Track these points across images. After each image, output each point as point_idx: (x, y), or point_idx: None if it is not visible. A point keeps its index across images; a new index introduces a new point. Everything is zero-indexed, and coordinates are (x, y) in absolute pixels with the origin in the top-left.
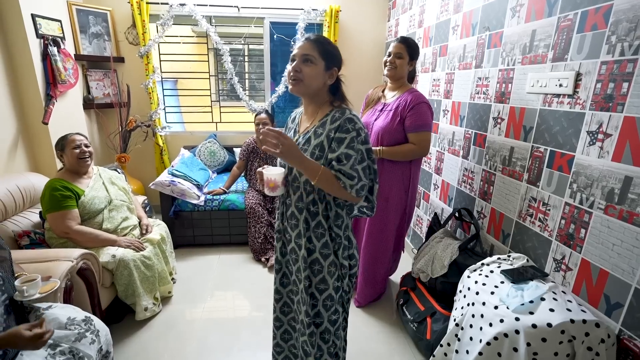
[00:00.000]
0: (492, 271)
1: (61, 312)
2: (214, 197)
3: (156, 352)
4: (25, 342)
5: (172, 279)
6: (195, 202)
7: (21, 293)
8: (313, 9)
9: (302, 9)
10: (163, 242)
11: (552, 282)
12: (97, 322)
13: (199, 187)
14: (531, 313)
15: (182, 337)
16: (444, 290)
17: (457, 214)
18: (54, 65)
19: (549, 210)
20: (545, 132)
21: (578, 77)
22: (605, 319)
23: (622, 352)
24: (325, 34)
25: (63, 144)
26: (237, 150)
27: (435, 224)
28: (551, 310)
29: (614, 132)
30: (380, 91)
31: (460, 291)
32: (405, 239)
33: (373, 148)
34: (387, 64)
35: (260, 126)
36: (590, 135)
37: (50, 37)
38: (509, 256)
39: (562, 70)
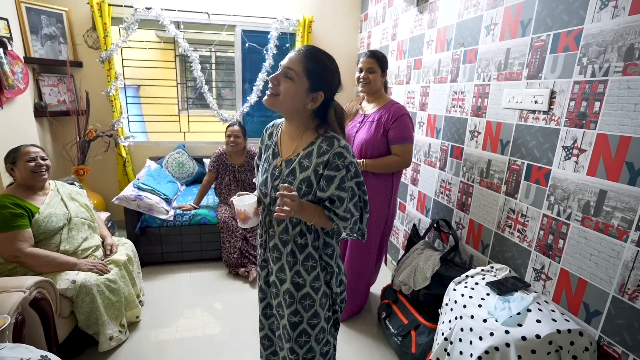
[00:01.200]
0: (477, 283)
1: (11, 354)
2: (184, 212)
3: None
4: None
5: (140, 301)
6: (164, 217)
7: None
8: (286, 19)
9: (274, 18)
10: (130, 263)
11: (535, 292)
12: None
13: (168, 201)
14: (519, 325)
15: None
16: (427, 302)
17: (435, 225)
18: (1, 69)
19: (528, 221)
20: (522, 146)
21: (552, 94)
22: (586, 327)
23: (602, 357)
24: (298, 44)
25: (15, 156)
26: (207, 161)
27: (415, 236)
28: (538, 321)
29: (588, 147)
30: (358, 104)
31: (447, 304)
32: None
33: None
34: (361, 80)
35: (232, 138)
36: (566, 150)
37: None
38: (492, 267)
39: (537, 88)
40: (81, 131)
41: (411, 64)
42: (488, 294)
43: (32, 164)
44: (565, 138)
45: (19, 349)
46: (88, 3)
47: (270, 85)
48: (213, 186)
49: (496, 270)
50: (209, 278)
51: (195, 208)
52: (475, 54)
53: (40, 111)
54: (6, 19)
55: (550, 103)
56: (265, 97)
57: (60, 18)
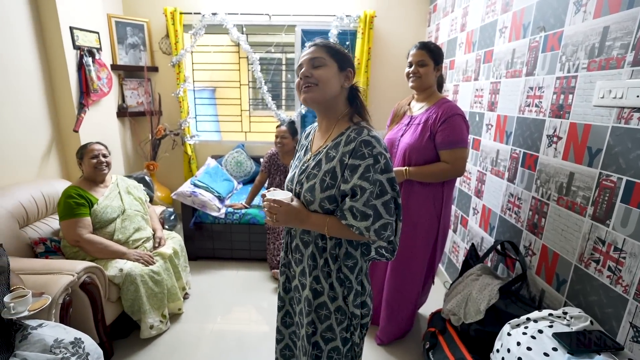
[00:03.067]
0: (540, 331)
1: (49, 332)
2: (235, 210)
3: None
4: None
5: (185, 294)
6: (215, 214)
7: (9, 310)
8: (347, 15)
9: (334, 16)
10: (176, 257)
11: (630, 359)
12: (89, 345)
13: (221, 199)
14: None
15: (187, 357)
16: (479, 338)
17: (499, 247)
18: (88, 75)
19: (624, 258)
20: (620, 156)
21: None
22: None
23: None
24: (359, 41)
25: (82, 152)
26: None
27: (472, 257)
28: None
29: None
30: (407, 103)
31: (498, 351)
32: (440, 267)
33: (398, 168)
34: (410, 75)
35: (279, 139)
36: None
37: (86, 48)
38: (564, 313)
39: None
40: (153, 130)
41: (481, 56)
42: (555, 349)
43: (95, 160)
44: None
45: (57, 328)
46: (163, 13)
47: (303, 82)
48: (265, 186)
49: (571, 317)
50: (255, 277)
51: (247, 207)
52: (558, 39)
53: (122, 112)
54: (97, 32)
55: None
56: (304, 95)
57: (142, 28)
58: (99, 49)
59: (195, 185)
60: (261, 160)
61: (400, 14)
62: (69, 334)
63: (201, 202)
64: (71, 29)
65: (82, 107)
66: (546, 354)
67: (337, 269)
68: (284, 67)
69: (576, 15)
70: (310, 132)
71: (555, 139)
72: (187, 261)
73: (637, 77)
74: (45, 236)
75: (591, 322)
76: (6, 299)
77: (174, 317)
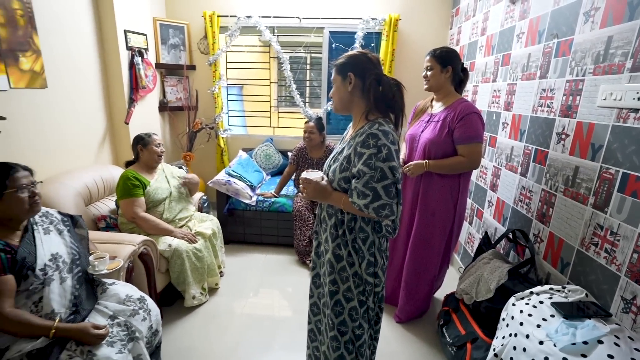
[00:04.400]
0: (541, 302)
1: (121, 289)
2: (265, 199)
3: (198, 338)
4: (88, 337)
5: (220, 272)
6: (247, 201)
7: (93, 267)
8: (372, 18)
9: (361, 19)
10: (214, 237)
11: (617, 324)
12: (150, 303)
13: (252, 187)
14: (584, 356)
15: (223, 328)
16: (489, 315)
17: (511, 236)
18: (138, 73)
19: (618, 240)
20: (618, 151)
21: None
22: None
23: None
24: (383, 43)
25: (148, 140)
26: (290, 155)
27: (485, 244)
28: (610, 356)
29: None
30: (429, 102)
31: (504, 319)
32: (455, 256)
33: (419, 161)
34: (423, 79)
35: (307, 134)
36: None
37: (136, 49)
38: (563, 288)
39: None
40: (190, 123)
41: (499, 60)
42: (552, 316)
43: (159, 149)
44: None
45: (127, 286)
46: (202, 16)
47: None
48: (292, 178)
49: (569, 291)
50: (281, 261)
51: (275, 196)
52: (569, 46)
53: (163, 107)
54: (145, 34)
55: None
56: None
57: (182, 30)
58: (146, 49)
59: (230, 174)
60: (289, 153)
61: (424, 17)
62: (135, 292)
63: (235, 190)
64: (125, 32)
65: (132, 101)
66: (544, 319)
67: (352, 239)
68: (308, 66)
69: (585, 25)
70: (348, 127)
71: (563, 137)
72: (223, 242)
73: (634, 81)
74: (105, 214)
75: (586, 294)
76: (90, 258)
77: (212, 290)
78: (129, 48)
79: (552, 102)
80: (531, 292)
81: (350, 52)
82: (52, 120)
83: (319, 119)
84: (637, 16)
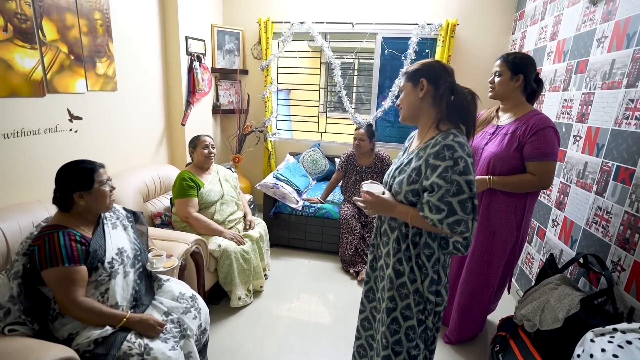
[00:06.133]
0: (629, 342)
1: (175, 286)
2: (311, 204)
3: (242, 338)
4: (151, 328)
5: (265, 275)
6: (294, 206)
7: (151, 264)
8: (428, 24)
9: (416, 24)
10: (261, 240)
11: None
12: (200, 301)
13: (299, 192)
14: None
15: (266, 330)
16: (553, 346)
17: (582, 260)
18: (195, 77)
19: None
20: None
21: None
22: None
23: None
24: (438, 49)
25: (196, 142)
26: (338, 161)
27: (551, 267)
28: None
29: None
30: (494, 111)
31: (579, 356)
32: None
33: (481, 177)
34: (489, 84)
35: (357, 141)
36: None
37: (195, 54)
38: None
39: None
40: (241, 126)
41: (572, 66)
42: None
43: (206, 150)
44: None
45: (180, 284)
46: (257, 22)
47: None
48: (340, 184)
49: None
50: (325, 268)
51: (322, 202)
52: None
53: (215, 109)
54: (203, 40)
55: None
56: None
57: (237, 36)
58: (204, 55)
59: (278, 178)
60: (336, 159)
61: (483, 22)
62: (188, 290)
63: (282, 194)
64: (186, 38)
65: (188, 104)
66: None
67: (417, 254)
68: (356, 73)
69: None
70: (412, 136)
71: None
72: (269, 245)
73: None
74: (160, 211)
75: None
76: (149, 255)
77: (256, 293)
78: (188, 53)
79: None
80: (615, 329)
81: (423, 60)
82: (119, 121)
83: (369, 125)
84: (632, 44)
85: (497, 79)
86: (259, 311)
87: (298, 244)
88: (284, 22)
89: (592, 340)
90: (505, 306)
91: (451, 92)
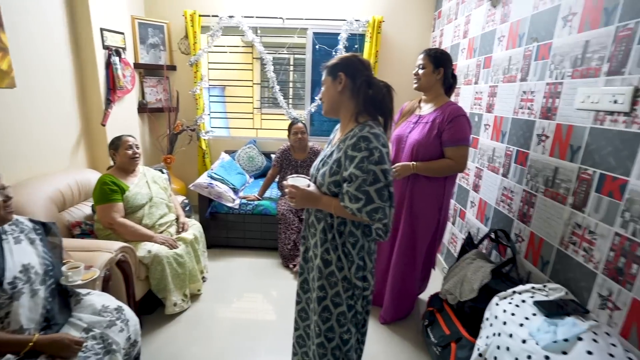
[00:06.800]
0: (524, 301)
1: (97, 299)
2: (248, 202)
3: (181, 346)
4: (65, 348)
5: (203, 277)
6: (230, 205)
7: (66, 278)
8: (356, 20)
9: (344, 20)
10: (196, 242)
11: (595, 320)
12: (128, 312)
13: (235, 190)
14: (564, 353)
15: (207, 334)
16: (473, 315)
17: (493, 236)
18: (115, 73)
19: (596, 239)
20: (595, 152)
21: (637, 92)
22: None
23: None
24: (367, 44)
25: (118, 143)
26: (274, 157)
27: (468, 244)
28: (589, 352)
29: None
30: (417, 103)
31: (487, 319)
32: (439, 257)
33: (406, 163)
34: (413, 76)
35: (299, 135)
36: None
37: (113, 48)
38: (544, 286)
39: (617, 85)
40: (171, 125)
41: (481, 62)
42: (534, 314)
43: (130, 151)
44: None
45: (103, 296)
46: (183, 15)
47: None
48: (277, 180)
49: (549, 289)
50: (266, 265)
51: (259, 199)
52: (548, 49)
53: (142, 108)
54: (122, 33)
55: (634, 103)
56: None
57: (162, 29)
58: (124, 49)
59: (212, 177)
60: (272, 155)
61: (407, 19)
62: (112, 302)
63: (217, 193)
64: (101, 30)
65: (109, 102)
66: (527, 318)
67: (342, 243)
68: (291, 68)
69: (564, 29)
70: (336, 129)
71: (543, 138)
72: (205, 247)
73: (610, 85)
74: (80, 220)
75: (566, 292)
76: (64, 268)
77: (194, 297)
78: (105, 47)
79: (532, 104)
80: (514, 292)
81: (341, 54)
82: (19, 122)
83: (306, 119)
84: (613, 22)
85: (421, 72)
86: (198, 315)
87: (237, 243)
88: (212, 16)
89: (496, 304)
90: (436, 283)
91: (368, 86)
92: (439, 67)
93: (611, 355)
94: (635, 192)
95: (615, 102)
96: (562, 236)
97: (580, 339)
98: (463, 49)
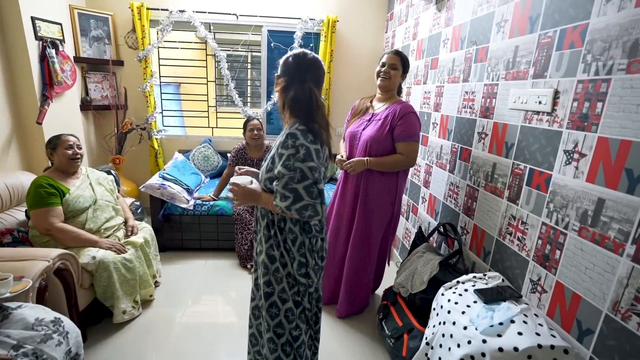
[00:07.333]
0: (466, 290)
1: (30, 312)
2: (203, 202)
3: (132, 355)
4: None
5: (155, 282)
6: (184, 206)
7: None
8: (310, 19)
9: (299, 19)
10: (147, 245)
11: (526, 304)
12: (67, 324)
13: (189, 191)
14: (499, 335)
15: (159, 342)
16: (424, 306)
17: (441, 229)
18: (51, 67)
19: (527, 229)
20: (525, 149)
21: (556, 94)
22: (577, 345)
23: None
24: (322, 44)
25: (56, 143)
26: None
27: (419, 238)
28: (519, 333)
29: (589, 152)
30: (369, 102)
31: (434, 309)
32: (394, 251)
33: (360, 158)
34: (381, 74)
35: (256, 132)
36: (567, 154)
37: (49, 40)
38: (484, 275)
39: (541, 87)
40: (119, 124)
41: (429, 63)
42: (475, 302)
43: (70, 151)
44: (567, 141)
45: (37, 309)
46: (129, 7)
47: None
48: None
49: (488, 278)
50: (223, 266)
51: (214, 199)
52: (486, 53)
53: (85, 105)
54: (60, 24)
55: (554, 104)
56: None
57: (106, 21)
58: (62, 41)
59: (164, 178)
60: (228, 154)
61: (361, 20)
62: (48, 314)
63: (170, 195)
64: (33, 19)
65: (45, 99)
66: (468, 306)
67: (284, 240)
68: (249, 65)
69: (498, 34)
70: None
71: (483, 135)
72: (157, 250)
73: (536, 87)
74: (11, 227)
75: (502, 280)
76: None
77: (146, 303)
78: (38, 38)
79: (473, 104)
80: (457, 282)
81: (288, 53)
82: None
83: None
84: (536, 29)
85: (392, 72)
86: (151, 322)
87: (193, 245)
88: (162, 9)
89: (442, 294)
90: (392, 277)
91: (295, 87)
92: (405, 73)
93: (537, 334)
94: (557, 184)
95: (539, 102)
96: (500, 227)
97: (512, 321)
98: (413, 50)
